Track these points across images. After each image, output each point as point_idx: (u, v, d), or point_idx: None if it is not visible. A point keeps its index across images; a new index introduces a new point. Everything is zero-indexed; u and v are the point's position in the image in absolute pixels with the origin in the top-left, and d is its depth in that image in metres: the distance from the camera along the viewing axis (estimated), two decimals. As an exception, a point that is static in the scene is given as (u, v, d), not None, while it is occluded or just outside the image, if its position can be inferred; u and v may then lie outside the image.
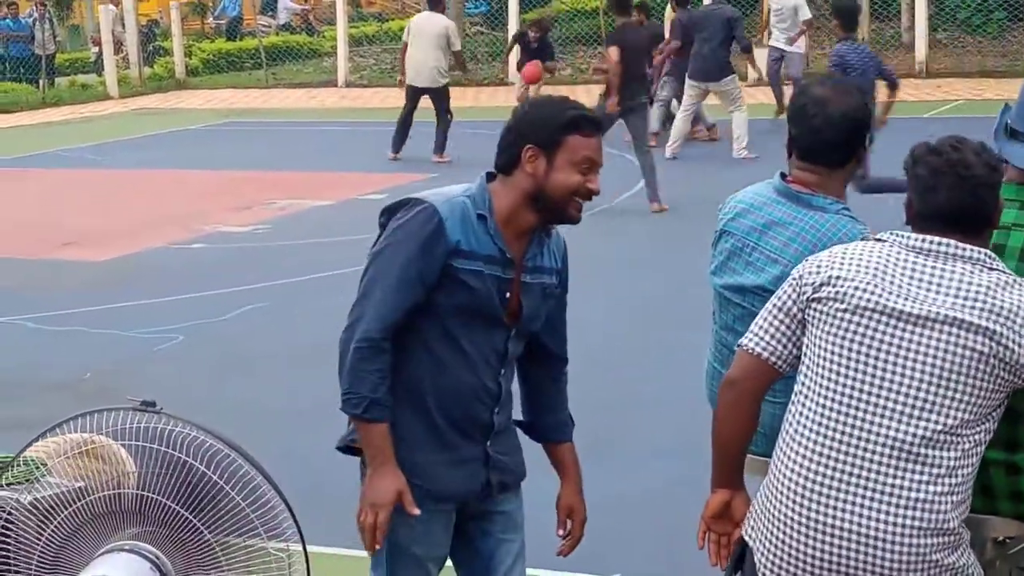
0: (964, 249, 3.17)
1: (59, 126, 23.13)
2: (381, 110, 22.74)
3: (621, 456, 6.46)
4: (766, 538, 3.25)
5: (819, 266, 3.26)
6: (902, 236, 3.24)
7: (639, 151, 13.24)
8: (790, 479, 3.21)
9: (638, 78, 13.50)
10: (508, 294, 3.54)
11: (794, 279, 3.31)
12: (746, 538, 3.33)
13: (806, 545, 3.17)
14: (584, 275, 4.91)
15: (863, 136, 3.91)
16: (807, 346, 3.26)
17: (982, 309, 3.11)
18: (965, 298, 3.12)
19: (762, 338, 3.32)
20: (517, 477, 3.76)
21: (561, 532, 3.77)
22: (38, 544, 3.11)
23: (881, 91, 11.97)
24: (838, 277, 3.20)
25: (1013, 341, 3.11)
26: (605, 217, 11.83)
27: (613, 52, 13.08)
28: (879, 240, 3.28)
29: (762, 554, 3.25)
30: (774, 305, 3.34)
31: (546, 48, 19.69)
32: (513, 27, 26.03)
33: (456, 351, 3.50)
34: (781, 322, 3.31)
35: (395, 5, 40.20)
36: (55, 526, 3.11)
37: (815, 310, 3.23)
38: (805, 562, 3.17)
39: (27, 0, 33.60)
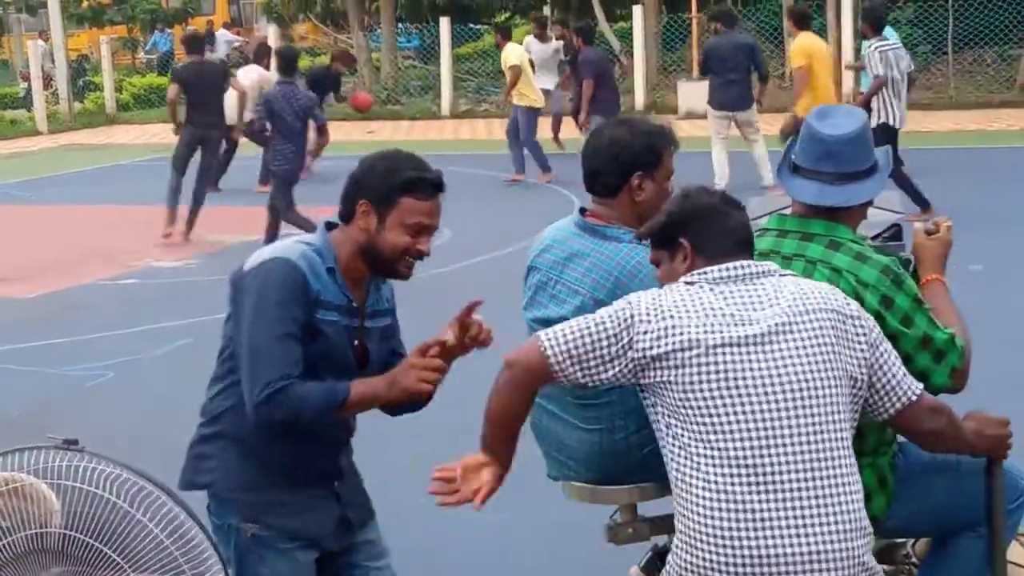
0: (759, 266, 3.38)
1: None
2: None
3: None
4: None
5: (649, 316, 3.28)
6: (704, 273, 3.35)
7: None
8: (722, 527, 3.16)
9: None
10: (356, 342, 3.62)
11: (624, 315, 3.31)
12: None
13: None
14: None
15: (630, 166, 4.05)
16: (669, 401, 3.26)
17: (813, 300, 3.29)
18: (792, 300, 3.28)
19: (559, 343, 3.35)
20: (370, 512, 3.84)
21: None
22: (-40, 585, 3.09)
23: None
24: (674, 327, 3.24)
25: (854, 313, 3.33)
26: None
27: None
28: (687, 283, 3.36)
29: None
30: (590, 321, 3.35)
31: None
32: (445, 60, 26.17)
33: None
34: (585, 340, 3.33)
35: (327, 40, 40.16)
36: (-23, 566, 3.09)
37: (664, 366, 3.24)
38: None
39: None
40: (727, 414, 3.19)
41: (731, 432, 3.18)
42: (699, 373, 3.21)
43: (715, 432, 3.19)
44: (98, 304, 10.93)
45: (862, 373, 3.33)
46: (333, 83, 19.01)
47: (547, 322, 3.99)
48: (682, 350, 3.23)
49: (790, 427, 3.18)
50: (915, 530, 4.02)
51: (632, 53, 25.64)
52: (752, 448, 3.17)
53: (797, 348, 3.24)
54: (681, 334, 3.23)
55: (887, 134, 12.58)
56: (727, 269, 3.35)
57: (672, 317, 3.26)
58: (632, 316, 3.30)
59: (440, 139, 22.67)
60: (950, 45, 24.11)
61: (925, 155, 17.81)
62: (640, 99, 24.81)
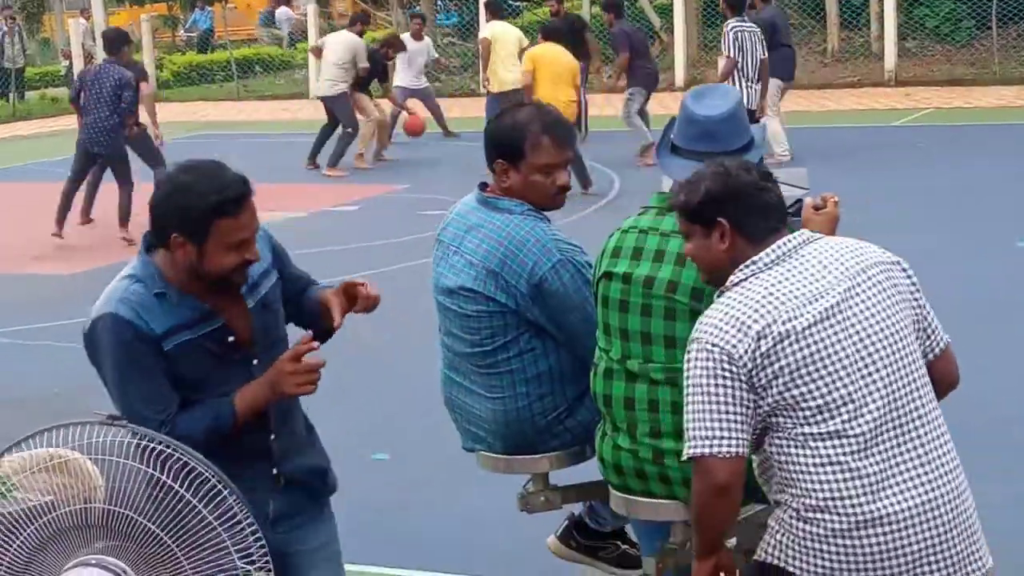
0: (799, 236, 3.43)
1: (29, 140, 23.05)
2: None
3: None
4: (825, 557, 3.28)
5: (735, 339, 3.28)
6: (753, 263, 3.37)
7: None
8: (839, 497, 3.25)
9: None
10: (232, 337, 3.56)
11: (719, 364, 3.29)
12: (788, 568, 3.33)
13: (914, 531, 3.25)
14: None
15: (494, 151, 4.27)
16: (771, 396, 3.28)
17: (863, 258, 3.39)
18: (846, 263, 3.36)
19: (726, 443, 3.30)
20: (317, 492, 3.82)
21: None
22: (4, 559, 3.09)
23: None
24: (760, 331, 3.27)
25: (895, 259, 3.46)
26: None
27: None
28: (740, 281, 3.38)
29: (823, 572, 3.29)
30: (711, 398, 3.30)
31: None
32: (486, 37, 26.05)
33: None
34: (724, 413, 3.30)
35: (298, 25, 40.07)
36: (21, 541, 3.09)
37: (767, 366, 3.27)
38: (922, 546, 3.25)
39: (-4, 14, 33.41)
40: (828, 391, 3.25)
41: (833, 407, 3.25)
42: (796, 360, 3.25)
43: (819, 412, 3.25)
44: (86, 291, 10.94)
45: (918, 315, 3.45)
46: (382, 69, 18.52)
47: (450, 292, 4.28)
48: (776, 345, 3.26)
49: (883, 389, 3.27)
50: None
51: (672, 30, 25.48)
52: (854, 418, 3.25)
53: (870, 308, 3.32)
54: (768, 334, 3.26)
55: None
56: (775, 250, 3.38)
57: (755, 322, 3.28)
58: (723, 357, 3.29)
59: (479, 116, 22.60)
60: (994, 20, 23.83)
61: (969, 131, 17.66)
62: (680, 76, 24.67)
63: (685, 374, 3.36)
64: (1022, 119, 18.63)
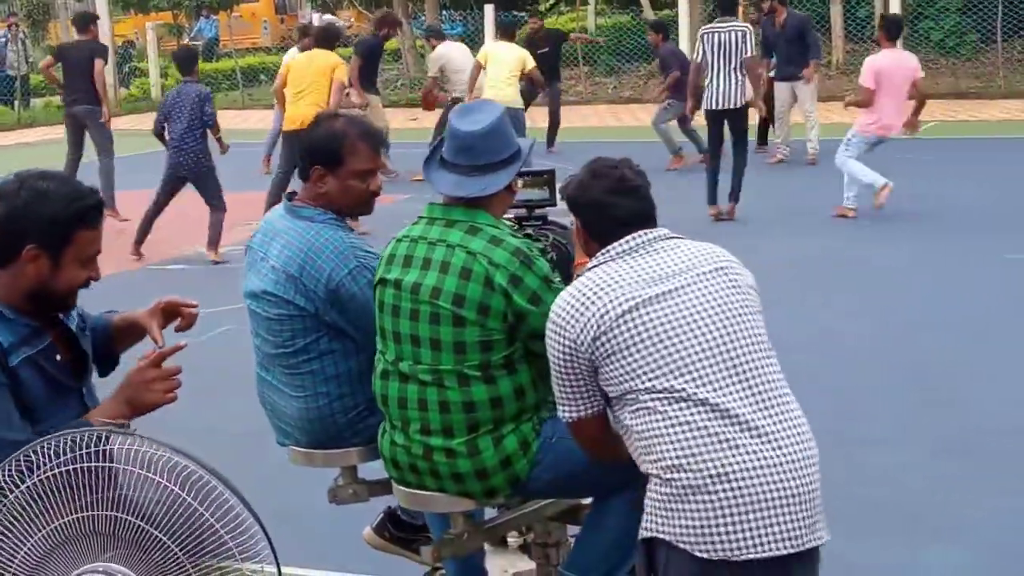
0: (654, 232, 3.78)
1: (34, 147, 23.06)
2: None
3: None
4: (683, 516, 3.47)
5: (577, 312, 3.64)
6: (606, 252, 3.74)
7: None
8: (690, 456, 3.46)
9: None
10: (59, 356, 3.44)
11: (562, 339, 3.67)
12: (658, 536, 3.53)
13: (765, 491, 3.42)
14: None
15: (311, 159, 4.46)
16: (619, 369, 3.58)
17: (714, 256, 3.73)
18: (698, 257, 3.69)
19: (570, 407, 3.76)
20: None
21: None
22: (10, 567, 3.08)
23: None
24: (603, 307, 3.60)
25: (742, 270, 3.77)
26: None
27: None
28: (593, 266, 3.74)
29: (684, 532, 3.47)
30: (556, 369, 3.73)
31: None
32: (489, 48, 26.04)
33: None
34: (567, 381, 3.73)
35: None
36: (28, 548, 3.08)
37: (609, 339, 3.59)
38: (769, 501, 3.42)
39: (1, 21, 33.49)
40: (671, 357, 3.52)
41: (676, 372, 3.51)
42: (637, 332, 3.55)
43: (663, 377, 3.51)
44: (145, 289, 10.95)
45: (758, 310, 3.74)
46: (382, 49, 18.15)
47: (254, 295, 4.50)
48: (616, 320, 3.57)
49: (727, 355, 3.53)
50: (561, 491, 4.38)
51: (677, 42, 25.51)
52: (698, 381, 3.50)
53: (714, 294, 3.62)
54: (612, 309, 3.58)
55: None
56: (628, 241, 3.73)
57: (598, 299, 3.61)
58: (564, 336, 3.66)
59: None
60: (999, 34, 23.86)
61: (975, 144, 17.66)
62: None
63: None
64: (1017, 132, 18.63)
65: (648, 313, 3.56)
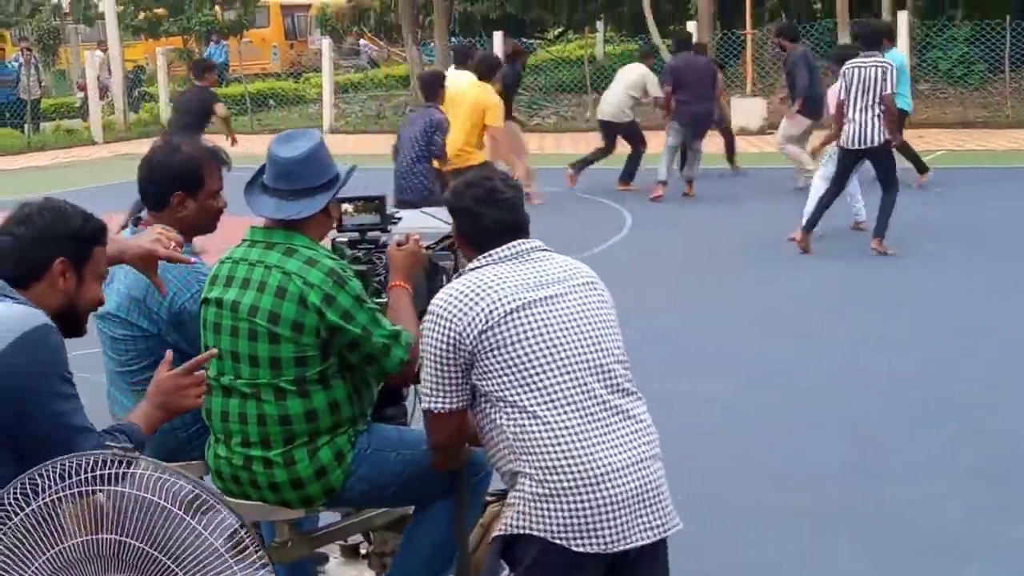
0: (530, 243, 4.06)
1: (44, 171, 23.15)
2: (366, 156, 22.71)
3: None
4: (559, 514, 3.74)
5: (460, 309, 3.87)
6: (489, 255, 4.00)
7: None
8: (556, 453, 3.74)
9: None
10: None
11: (443, 332, 3.89)
12: (530, 532, 3.78)
13: (612, 489, 3.74)
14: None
15: (171, 184, 4.63)
16: (496, 367, 3.83)
17: (583, 270, 4.07)
18: (570, 268, 4.02)
19: (439, 399, 3.96)
20: None
21: None
22: (15, 590, 3.09)
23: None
24: (486, 307, 3.85)
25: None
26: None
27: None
28: (474, 267, 4.01)
29: (560, 529, 3.74)
30: (430, 361, 3.93)
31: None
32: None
33: None
34: (442, 374, 3.94)
35: (381, 54, 40.38)
36: (32, 572, 3.09)
37: (490, 337, 3.83)
38: (616, 502, 3.74)
39: (13, 45, 33.66)
40: (546, 362, 3.79)
41: (550, 376, 3.79)
42: (516, 333, 3.82)
43: (539, 380, 3.78)
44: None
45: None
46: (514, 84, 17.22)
47: (100, 316, 4.57)
48: (500, 320, 3.83)
49: (594, 359, 3.84)
50: (378, 500, 4.57)
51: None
52: (576, 386, 3.80)
53: (582, 305, 3.93)
54: (501, 306, 3.84)
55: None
56: (509, 248, 3.99)
57: (487, 295, 3.86)
58: (449, 328, 3.87)
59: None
60: (1007, 63, 23.89)
61: (983, 173, 17.68)
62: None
63: (422, 340, 3.96)
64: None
65: (534, 314, 3.84)
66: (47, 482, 3.09)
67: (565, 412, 3.77)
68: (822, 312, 10.42)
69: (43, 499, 3.12)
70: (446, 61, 29.73)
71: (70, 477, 3.10)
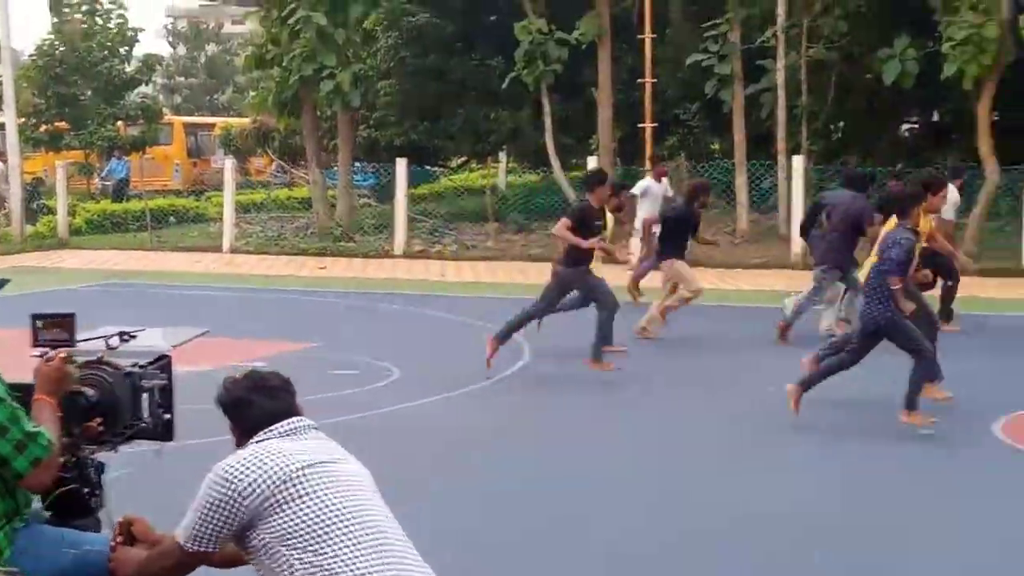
0: (302, 421, 4.47)
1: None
2: (266, 277, 22.67)
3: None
4: None
5: (242, 476, 4.21)
6: (271, 430, 4.40)
7: None
8: None
9: None
10: None
11: (223, 492, 4.21)
12: None
13: None
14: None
15: None
16: (278, 528, 4.15)
17: (339, 448, 4.46)
18: (332, 445, 4.45)
19: (196, 539, 4.27)
20: None
21: None
22: None
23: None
24: (265, 474, 4.19)
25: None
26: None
27: None
28: (257, 441, 4.38)
29: None
30: (203, 510, 4.23)
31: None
32: (400, 200, 26.28)
33: None
34: (210, 526, 4.25)
35: (282, 178, 40.37)
36: None
37: (271, 503, 4.16)
38: None
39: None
40: (334, 511, 4.14)
41: (340, 523, 4.13)
42: (308, 490, 4.17)
43: (328, 527, 4.11)
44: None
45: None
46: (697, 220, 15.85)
47: None
48: (293, 476, 4.19)
49: (375, 512, 4.24)
50: None
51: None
52: (356, 532, 4.13)
53: (358, 472, 4.37)
54: (285, 468, 4.20)
55: None
56: (286, 425, 4.41)
57: (271, 461, 4.21)
58: (231, 489, 4.19)
59: (392, 278, 22.75)
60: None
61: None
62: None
63: (204, 484, 4.25)
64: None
65: (319, 473, 4.23)
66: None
67: (356, 560, 4.08)
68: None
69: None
70: (349, 185, 29.89)
71: None
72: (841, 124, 31.41)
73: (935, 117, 32.32)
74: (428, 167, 34.24)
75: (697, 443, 10.44)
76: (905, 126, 33.73)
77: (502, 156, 36.93)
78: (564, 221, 13.19)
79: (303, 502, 4.15)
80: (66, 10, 37.90)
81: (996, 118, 24.80)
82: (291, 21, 27.81)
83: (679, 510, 8.49)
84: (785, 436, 10.51)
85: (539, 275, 23.17)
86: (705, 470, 9.59)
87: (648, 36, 24.77)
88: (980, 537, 7.92)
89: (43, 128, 37.45)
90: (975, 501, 8.73)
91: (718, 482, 9.19)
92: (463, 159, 38.23)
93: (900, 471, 9.51)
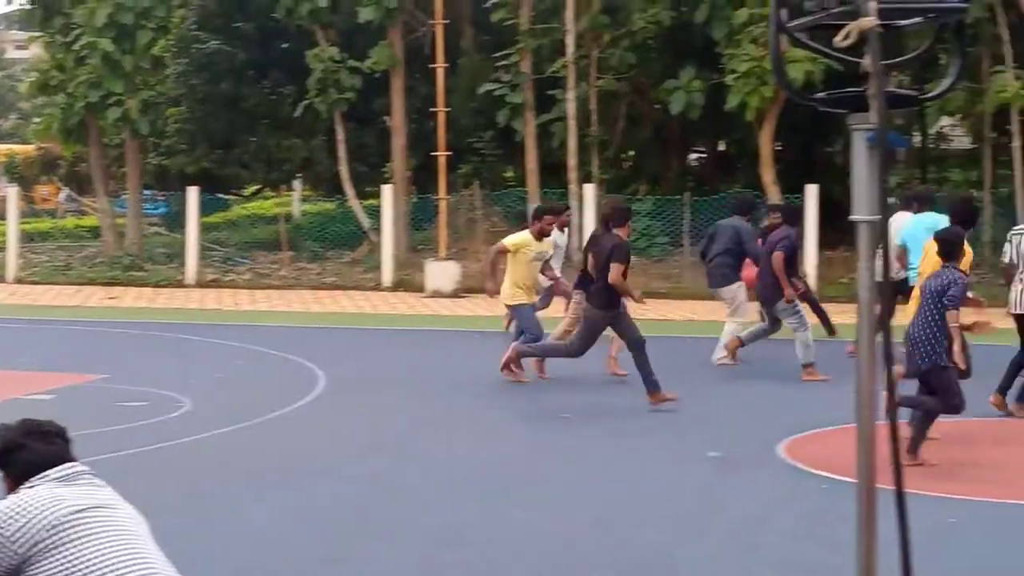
0: (77, 467, 4.55)
1: None
2: (53, 308, 22.11)
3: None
4: None
5: (15, 519, 4.28)
6: (44, 476, 4.46)
7: None
8: None
9: None
10: None
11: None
12: None
13: None
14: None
15: None
16: (56, 567, 4.22)
17: (115, 494, 4.54)
18: (108, 491, 4.51)
19: None
20: None
21: None
22: None
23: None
24: (38, 517, 4.27)
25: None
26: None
27: None
28: (29, 487, 4.43)
29: None
30: None
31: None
32: (192, 228, 25.90)
33: None
34: None
35: (72, 205, 39.44)
36: None
37: (45, 542, 4.23)
38: None
39: None
40: (110, 551, 4.23)
41: (99, 570, 4.19)
42: (82, 532, 4.24)
43: (106, 567, 4.20)
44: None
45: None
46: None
47: None
48: (51, 528, 4.23)
49: (150, 553, 4.35)
50: None
51: (380, 231, 25.88)
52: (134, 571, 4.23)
53: (126, 513, 4.45)
54: (57, 512, 4.26)
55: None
56: (61, 471, 4.47)
57: (44, 507, 4.27)
58: (3, 531, 4.24)
59: (184, 307, 22.40)
60: (686, 237, 25.06)
61: (666, 341, 18.30)
62: (388, 277, 25.04)
63: None
64: (700, 332, 19.45)
65: (95, 517, 4.31)
66: None
67: None
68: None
69: None
70: (139, 213, 29.32)
71: None
72: (631, 153, 32.08)
73: (721, 147, 33.24)
74: (221, 195, 33.79)
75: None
76: (693, 155, 34.59)
77: (296, 184, 36.69)
78: (617, 267, 12.73)
79: (74, 546, 4.21)
80: None
81: (779, 148, 25.62)
82: (76, 47, 27.31)
83: (459, 541, 8.53)
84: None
85: (333, 303, 23.17)
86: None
87: (440, 65, 24.95)
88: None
89: None
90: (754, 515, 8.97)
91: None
92: (257, 187, 37.87)
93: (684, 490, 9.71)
